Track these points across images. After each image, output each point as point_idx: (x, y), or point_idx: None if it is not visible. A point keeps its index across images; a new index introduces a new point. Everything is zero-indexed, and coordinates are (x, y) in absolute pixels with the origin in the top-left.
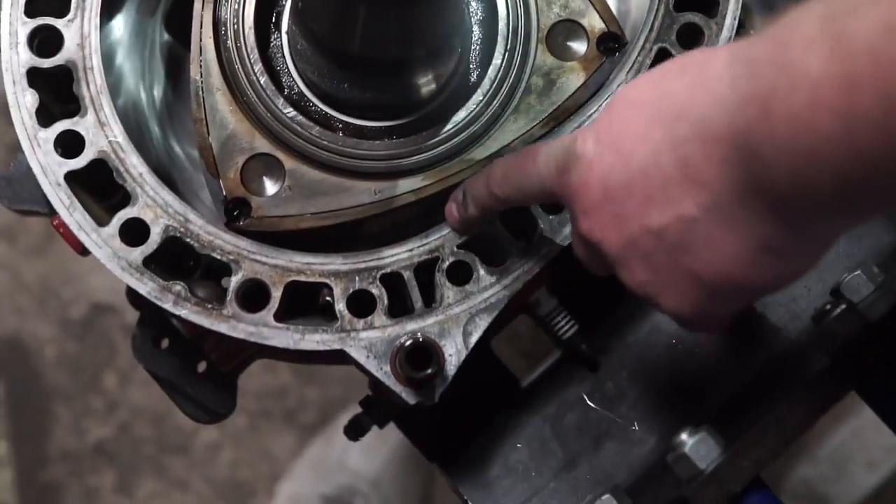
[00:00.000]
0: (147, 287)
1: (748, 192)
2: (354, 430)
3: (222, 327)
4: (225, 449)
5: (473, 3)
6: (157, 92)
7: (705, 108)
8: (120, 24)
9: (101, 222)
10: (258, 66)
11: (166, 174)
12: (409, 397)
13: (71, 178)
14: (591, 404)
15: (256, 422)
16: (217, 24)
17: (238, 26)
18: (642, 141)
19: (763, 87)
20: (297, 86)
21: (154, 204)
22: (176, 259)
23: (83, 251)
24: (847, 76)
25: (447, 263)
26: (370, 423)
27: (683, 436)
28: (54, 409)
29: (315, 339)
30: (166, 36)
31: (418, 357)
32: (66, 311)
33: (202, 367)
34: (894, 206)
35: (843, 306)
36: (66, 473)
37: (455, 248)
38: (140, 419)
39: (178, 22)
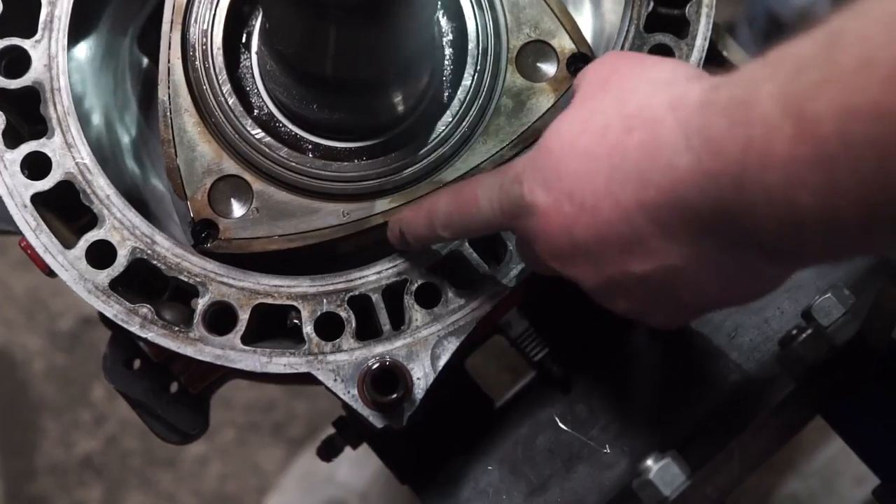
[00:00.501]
0: (113, 310)
1: (732, 248)
2: (327, 451)
3: (189, 350)
4: (213, 462)
5: (443, 24)
6: (131, 112)
7: (674, 181)
8: (92, 43)
9: (68, 244)
10: (226, 87)
11: (139, 196)
12: (376, 421)
13: (37, 199)
14: (563, 426)
15: (244, 435)
16: (186, 45)
17: (207, 47)
18: (606, 198)
19: (732, 166)
20: (267, 106)
21: (121, 226)
22: (143, 281)
23: (50, 272)
24: (819, 158)
25: (416, 286)
26: (343, 443)
27: (649, 461)
28: (42, 421)
29: (282, 363)
30: (139, 54)
31: (385, 381)
32: (55, 324)
33: (174, 387)
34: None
35: (810, 330)
36: (53, 486)
37: (424, 271)
38: (128, 432)
39: (151, 40)
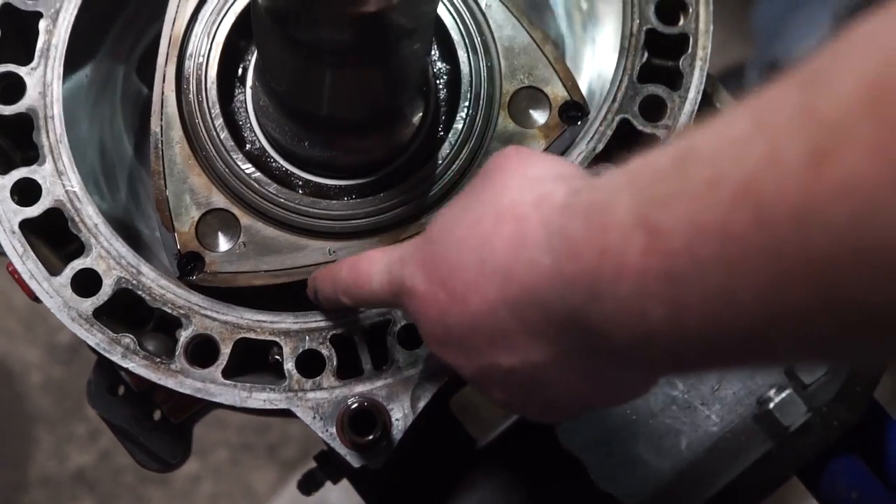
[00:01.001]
0: (96, 338)
1: (589, 353)
2: (308, 485)
3: (169, 382)
4: (205, 482)
5: (438, 66)
6: (126, 142)
7: (535, 279)
8: (89, 72)
9: (55, 271)
10: (219, 121)
11: (131, 226)
12: (353, 460)
13: (25, 225)
14: (545, 471)
15: (238, 455)
16: (180, 77)
17: (201, 80)
18: (474, 290)
19: (588, 271)
20: (259, 141)
21: (108, 255)
22: (128, 311)
23: (35, 298)
24: (669, 272)
25: (399, 326)
26: (324, 478)
27: None
28: (37, 433)
29: (262, 398)
30: (137, 84)
31: (364, 420)
32: (54, 337)
33: (157, 415)
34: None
35: (788, 391)
36: (45, 499)
37: None
38: (121, 448)
39: (151, 70)
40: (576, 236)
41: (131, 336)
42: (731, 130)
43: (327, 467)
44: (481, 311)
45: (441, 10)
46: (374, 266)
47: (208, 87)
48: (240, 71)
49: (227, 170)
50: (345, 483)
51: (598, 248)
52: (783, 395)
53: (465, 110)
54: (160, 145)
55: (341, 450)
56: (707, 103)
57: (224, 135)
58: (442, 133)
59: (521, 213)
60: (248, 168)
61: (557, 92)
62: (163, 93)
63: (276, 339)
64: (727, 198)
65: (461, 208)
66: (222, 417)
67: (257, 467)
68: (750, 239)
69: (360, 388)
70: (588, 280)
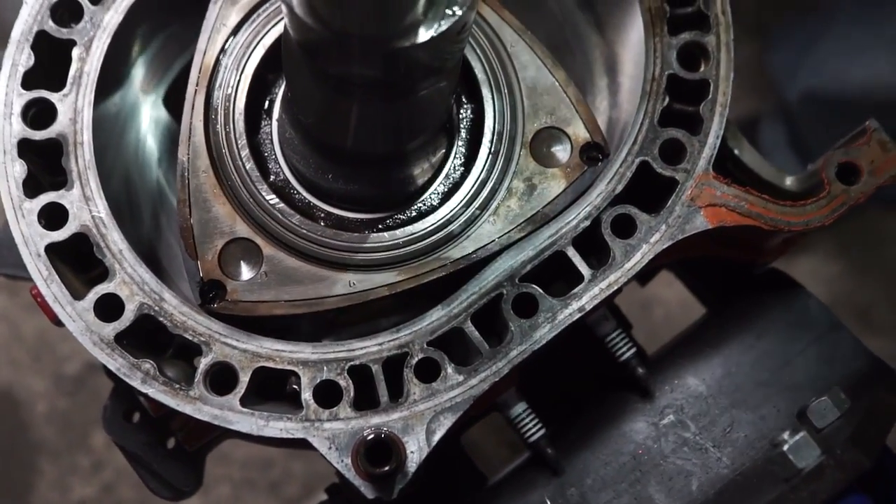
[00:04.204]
0: (117, 363)
1: None
2: None
3: (187, 409)
4: None
5: (462, 104)
6: (151, 169)
7: None
8: (118, 100)
9: (78, 295)
10: (245, 152)
11: (153, 252)
12: (367, 492)
13: (51, 249)
14: None
15: (240, 492)
16: (209, 108)
17: (229, 111)
18: None
19: None
20: (283, 173)
21: (131, 281)
22: (149, 336)
23: (58, 322)
24: None
25: (416, 360)
26: None
27: None
28: (40, 463)
29: (279, 427)
30: (163, 113)
31: (379, 452)
32: (61, 368)
33: (171, 443)
34: None
35: (802, 433)
36: None
37: (425, 345)
38: (124, 481)
39: (178, 100)
40: None
41: (151, 362)
42: None
43: (337, 500)
44: None
45: (467, 50)
46: None
47: (236, 118)
48: (267, 103)
49: (251, 200)
50: None
51: None
52: (797, 437)
53: (488, 148)
54: (187, 174)
55: (356, 481)
56: (725, 150)
57: (250, 165)
58: (463, 170)
59: None
60: (271, 199)
61: (579, 133)
62: (191, 122)
63: (295, 369)
64: None
65: None
66: (226, 452)
67: None
68: None
69: (377, 419)
70: None
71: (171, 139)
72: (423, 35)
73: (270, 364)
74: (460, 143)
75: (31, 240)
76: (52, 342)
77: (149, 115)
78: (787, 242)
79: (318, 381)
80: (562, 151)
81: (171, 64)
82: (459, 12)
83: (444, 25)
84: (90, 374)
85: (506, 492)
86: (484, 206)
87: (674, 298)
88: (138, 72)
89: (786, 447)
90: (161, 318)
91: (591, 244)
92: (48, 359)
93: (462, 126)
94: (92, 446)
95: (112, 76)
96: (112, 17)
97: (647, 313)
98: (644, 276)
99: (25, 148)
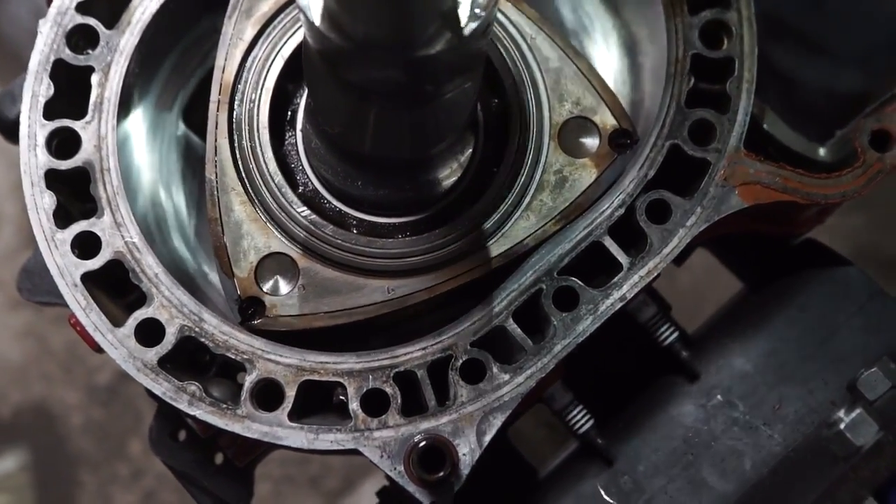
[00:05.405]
0: (162, 388)
1: None
2: None
3: (236, 427)
4: None
5: (485, 100)
6: (176, 186)
7: None
8: (138, 120)
9: (117, 322)
10: (272, 166)
11: (184, 270)
12: (423, 498)
13: (87, 278)
14: (608, 498)
15: (280, 487)
16: (232, 123)
17: (253, 125)
18: None
19: None
20: (312, 183)
21: (169, 304)
22: (191, 357)
23: (98, 349)
24: None
25: (461, 361)
26: None
27: None
28: (80, 476)
29: (329, 439)
30: (183, 128)
31: (431, 458)
32: (92, 378)
33: (219, 458)
34: None
35: (858, 410)
36: None
37: (468, 346)
38: (165, 487)
39: (197, 114)
40: None
41: (197, 383)
42: None
43: (390, 503)
44: None
45: (487, 45)
46: None
47: (260, 132)
48: (289, 114)
49: (282, 213)
50: None
51: None
52: (853, 414)
53: (515, 143)
54: (216, 192)
55: (410, 487)
56: (755, 126)
57: (278, 179)
58: (492, 166)
59: None
60: (303, 210)
61: (606, 120)
62: (216, 140)
63: (340, 380)
64: None
65: None
66: None
67: (300, 499)
68: None
69: (426, 424)
70: None
71: (193, 153)
72: (448, 41)
73: (315, 377)
74: (487, 138)
75: (67, 270)
76: (81, 354)
77: (169, 131)
78: (823, 212)
79: (365, 390)
80: (590, 140)
81: (188, 79)
82: (483, 14)
83: (469, 29)
84: (122, 383)
85: (558, 484)
86: (516, 203)
87: (699, 265)
88: (156, 89)
89: (842, 425)
90: (203, 339)
91: (627, 232)
92: (79, 370)
93: (487, 121)
94: (130, 454)
95: (132, 98)
96: (128, 40)
97: (673, 282)
98: (680, 257)
99: (53, 178)
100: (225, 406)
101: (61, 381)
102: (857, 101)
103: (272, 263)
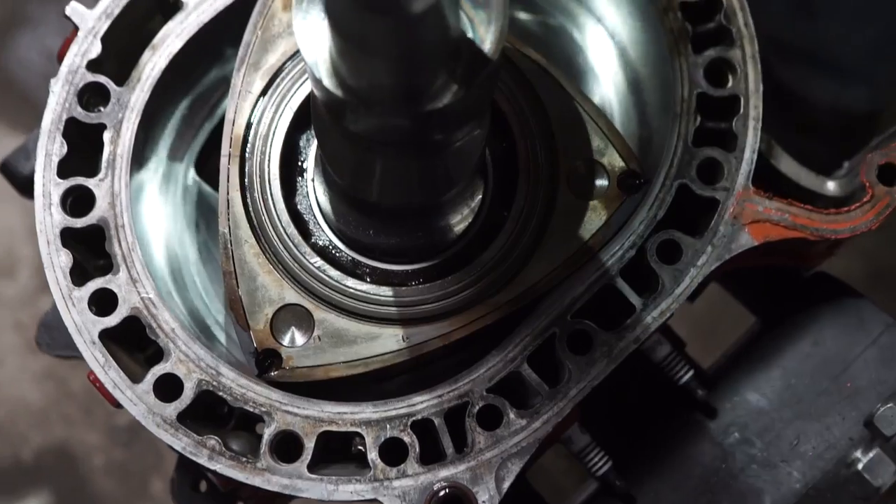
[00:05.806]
0: (182, 443)
1: None
2: None
3: (256, 480)
4: None
5: (494, 145)
6: (189, 236)
7: None
8: (151, 173)
9: (135, 378)
10: (284, 217)
11: (199, 318)
12: None
13: (105, 335)
14: None
15: None
16: (243, 176)
17: (264, 177)
18: None
19: None
20: (324, 232)
21: (186, 359)
22: (209, 410)
23: (118, 405)
24: None
25: (477, 408)
26: None
27: None
28: None
29: (349, 490)
30: (195, 178)
31: None
32: (113, 419)
33: None
34: None
35: (876, 450)
36: None
37: (484, 393)
38: None
39: (209, 165)
40: None
41: (216, 437)
42: None
43: None
44: None
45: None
46: None
47: (271, 183)
48: (300, 165)
49: (296, 265)
50: None
51: None
52: (871, 454)
53: (525, 187)
54: (229, 245)
55: None
56: (763, 163)
57: (290, 230)
58: (504, 212)
59: None
60: (315, 261)
61: (615, 162)
62: (227, 193)
63: (358, 430)
64: None
65: None
66: None
67: None
68: None
69: (445, 472)
70: None
71: (205, 203)
72: (455, 93)
73: (333, 427)
74: (496, 182)
75: (84, 328)
76: (101, 396)
77: (181, 181)
78: (833, 246)
79: (383, 439)
80: (599, 182)
81: (199, 129)
82: (489, 58)
83: (474, 80)
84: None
85: None
86: (528, 247)
87: (713, 288)
88: (167, 142)
89: (860, 465)
90: (221, 393)
91: (639, 273)
92: (99, 411)
93: (496, 168)
94: (152, 493)
95: (144, 153)
96: (138, 97)
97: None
98: (693, 294)
99: (68, 236)
100: (245, 459)
101: (82, 423)
102: (865, 118)
103: (287, 315)
